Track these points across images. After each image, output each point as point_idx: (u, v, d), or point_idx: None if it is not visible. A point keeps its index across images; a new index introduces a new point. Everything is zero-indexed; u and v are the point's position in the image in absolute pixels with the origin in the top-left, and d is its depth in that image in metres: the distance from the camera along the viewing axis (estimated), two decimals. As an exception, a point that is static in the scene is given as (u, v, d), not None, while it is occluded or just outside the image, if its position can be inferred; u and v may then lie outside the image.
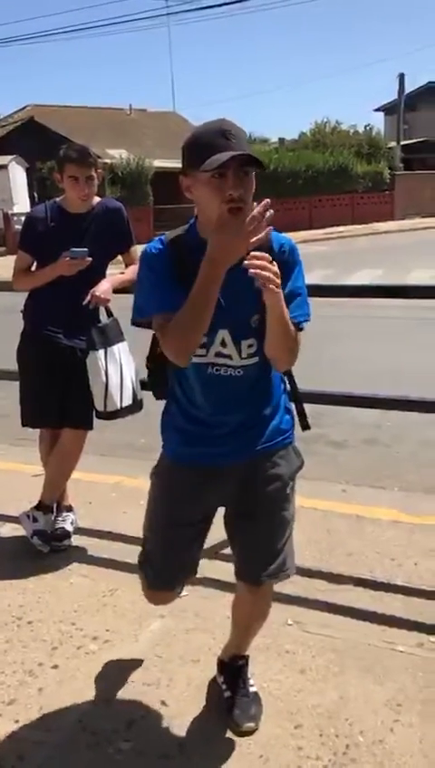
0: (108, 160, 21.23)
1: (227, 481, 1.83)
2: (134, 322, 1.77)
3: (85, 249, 2.79)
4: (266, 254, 1.51)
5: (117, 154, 22.78)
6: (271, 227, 1.49)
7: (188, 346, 1.64)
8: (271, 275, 1.50)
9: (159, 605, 2.07)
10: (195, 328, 1.60)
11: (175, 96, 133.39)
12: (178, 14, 46.88)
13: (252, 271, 1.48)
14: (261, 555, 1.87)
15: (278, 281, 1.52)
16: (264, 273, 1.49)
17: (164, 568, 1.90)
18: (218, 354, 1.71)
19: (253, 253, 1.50)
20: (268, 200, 1.47)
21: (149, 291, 1.69)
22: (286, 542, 1.90)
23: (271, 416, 1.83)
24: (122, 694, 2.18)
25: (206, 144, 1.54)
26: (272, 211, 1.47)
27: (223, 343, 1.69)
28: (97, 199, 2.97)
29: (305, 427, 1.97)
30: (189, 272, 1.59)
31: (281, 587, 2.67)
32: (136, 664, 2.31)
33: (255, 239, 1.48)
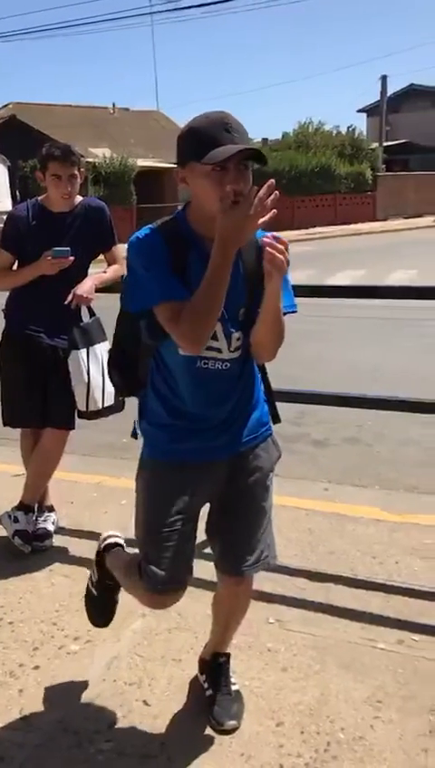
0: (91, 159, 21.13)
1: (215, 475, 1.84)
2: (127, 312, 1.75)
3: (67, 248, 2.79)
4: (285, 240, 1.57)
5: (100, 153, 22.68)
6: (275, 210, 1.52)
7: (207, 332, 1.64)
8: (284, 260, 1.56)
9: (168, 607, 1.95)
10: (212, 312, 1.61)
11: (158, 95, 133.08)
12: (162, 13, 46.68)
13: (270, 250, 1.54)
14: (244, 547, 1.89)
15: (286, 268, 1.58)
16: (280, 256, 1.55)
17: (173, 566, 1.82)
18: (209, 347, 1.71)
19: (274, 233, 1.56)
20: (272, 181, 1.51)
21: (149, 280, 1.64)
22: (266, 532, 1.93)
23: (253, 408, 1.86)
24: (104, 694, 2.18)
25: (207, 136, 1.55)
26: (277, 193, 1.51)
27: (214, 336, 1.70)
28: (79, 198, 2.96)
29: (277, 419, 1.98)
30: (184, 264, 1.61)
31: (263, 585, 2.69)
32: (118, 663, 2.31)
33: (261, 221, 1.52)
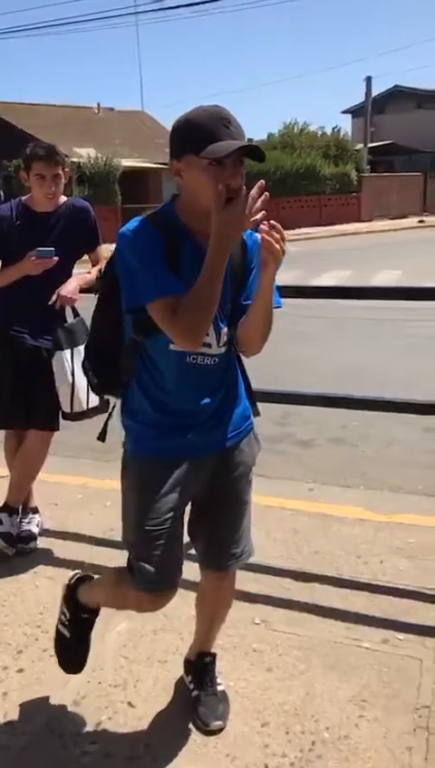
0: (75, 159, 21.05)
1: (202, 471, 1.84)
2: (129, 310, 1.69)
3: (51, 248, 2.77)
4: (281, 229, 1.59)
5: (85, 153, 22.58)
6: (264, 211, 1.54)
7: (205, 327, 1.64)
8: (281, 249, 1.58)
9: (159, 608, 1.91)
10: (211, 307, 1.61)
11: (143, 95, 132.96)
12: (147, 13, 46.59)
13: (268, 238, 1.56)
14: (228, 542, 1.91)
15: (282, 258, 1.59)
16: (277, 245, 1.57)
17: (165, 566, 1.80)
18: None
19: (272, 222, 1.57)
20: (262, 181, 1.54)
21: (145, 275, 1.61)
22: (247, 526, 1.96)
23: (238, 403, 1.87)
24: (89, 696, 2.17)
25: (206, 130, 1.55)
26: (267, 194, 1.54)
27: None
28: (64, 198, 2.95)
29: (257, 413, 1.99)
30: (177, 257, 1.61)
31: (248, 586, 2.70)
32: (103, 665, 2.30)
33: (253, 219, 1.54)
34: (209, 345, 1.73)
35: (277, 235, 1.57)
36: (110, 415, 1.98)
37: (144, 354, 1.75)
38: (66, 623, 2.10)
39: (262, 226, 1.58)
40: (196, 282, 1.59)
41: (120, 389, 1.85)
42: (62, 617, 2.12)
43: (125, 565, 1.87)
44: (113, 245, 1.71)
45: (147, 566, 1.78)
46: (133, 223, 1.66)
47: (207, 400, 1.78)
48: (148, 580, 1.79)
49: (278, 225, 1.58)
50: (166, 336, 1.65)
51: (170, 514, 1.78)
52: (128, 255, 1.63)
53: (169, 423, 1.77)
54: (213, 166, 1.54)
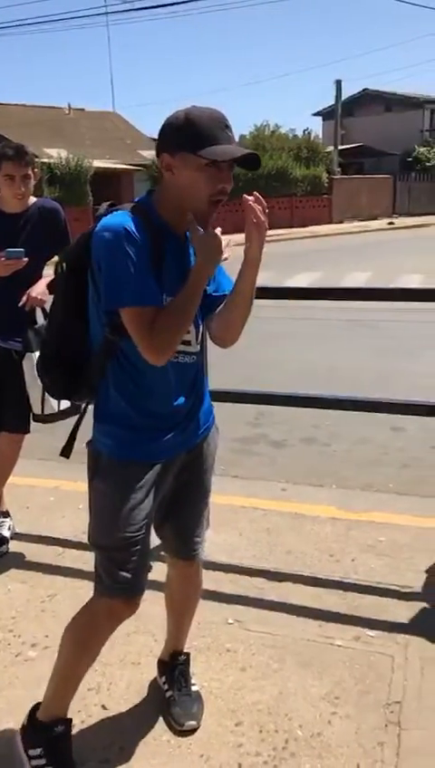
0: (46, 159, 20.85)
1: (173, 469, 1.83)
2: (109, 310, 1.61)
3: (21, 249, 2.75)
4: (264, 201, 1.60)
5: (55, 153, 22.39)
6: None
7: (176, 344, 1.63)
8: (266, 221, 1.59)
9: (129, 617, 1.82)
10: (186, 326, 1.63)
11: (114, 96, 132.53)
12: (117, 14, 46.40)
13: (254, 206, 1.57)
14: (195, 531, 1.94)
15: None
16: (262, 216, 1.59)
17: (142, 572, 1.77)
18: (182, 341, 1.68)
19: (256, 193, 1.60)
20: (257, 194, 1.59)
21: (127, 276, 1.54)
22: (208, 513, 1.99)
23: (205, 399, 1.89)
24: (62, 700, 2.15)
25: (208, 131, 1.54)
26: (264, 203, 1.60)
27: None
28: (33, 199, 2.93)
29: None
30: (160, 257, 1.59)
31: (221, 586, 2.71)
32: (76, 669, 2.28)
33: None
34: (189, 343, 1.73)
35: (260, 207, 1.59)
36: (78, 426, 1.86)
37: (121, 355, 1.68)
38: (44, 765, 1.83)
39: (246, 197, 1.58)
40: (176, 298, 1.58)
41: (86, 393, 1.78)
42: (36, 761, 1.84)
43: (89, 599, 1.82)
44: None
45: (123, 573, 1.73)
46: (119, 216, 1.58)
47: (183, 399, 1.78)
48: (124, 587, 1.74)
49: (260, 198, 1.60)
50: None
51: (146, 520, 1.76)
52: (118, 252, 1.54)
53: (149, 425, 1.73)
54: (210, 167, 1.55)
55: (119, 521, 1.72)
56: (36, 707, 1.91)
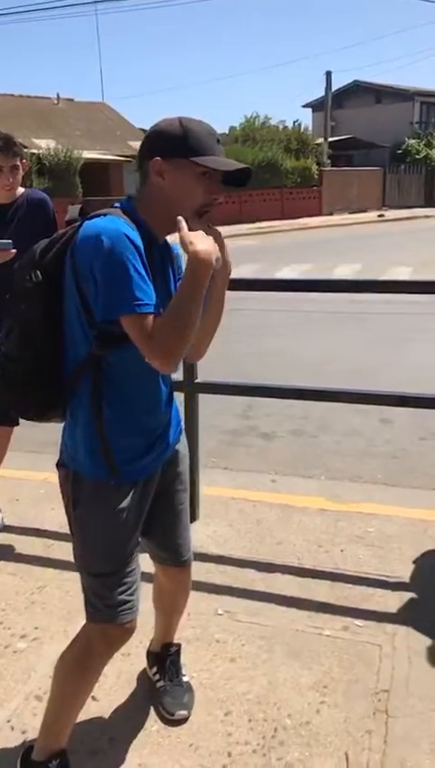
0: (34, 150, 20.71)
1: (155, 480, 1.79)
2: (105, 321, 1.48)
3: (9, 241, 2.72)
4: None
5: (44, 144, 22.23)
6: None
7: (187, 347, 1.50)
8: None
9: (130, 639, 1.75)
10: (194, 328, 1.49)
11: (104, 87, 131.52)
12: (106, 3, 45.97)
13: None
14: (182, 537, 1.92)
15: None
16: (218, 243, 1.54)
17: (135, 593, 1.70)
18: None
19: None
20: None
21: (128, 283, 1.44)
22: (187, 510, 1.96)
23: (174, 404, 1.82)
24: (52, 691, 2.16)
25: (205, 141, 1.52)
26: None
27: None
28: (21, 190, 2.91)
29: None
30: (150, 265, 1.52)
31: (211, 577, 2.72)
32: (66, 660, 2.29)
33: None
34: None
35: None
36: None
37: (108, 370, 1.56)
38: None
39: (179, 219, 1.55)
40: (178, 299, 1.48)
41: (63, 412, 1.67)
42: None
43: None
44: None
45: (119, 596, 1.66)
46: (118, 224, 1.48)
47: (165, 411, 1.73)
48: (121, 612, 1.66)
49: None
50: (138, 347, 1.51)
51: (138, 538, 1.72)
52: (121, 259, 1.43)
53: (134, 443, 1.65)
54: (204, 177, 1.52)
55: (111, 546, 1.65)
56: (28, 749, 1.83)
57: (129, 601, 1.68)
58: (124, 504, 1.65)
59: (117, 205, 1.59)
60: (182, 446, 1.89)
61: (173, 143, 1.52)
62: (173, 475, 1.85)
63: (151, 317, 1.46)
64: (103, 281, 1.45)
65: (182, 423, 1.91)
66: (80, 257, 1.49)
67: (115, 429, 1.60)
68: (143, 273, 1.47)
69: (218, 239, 1.55)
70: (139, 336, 1.46)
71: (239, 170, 1.53)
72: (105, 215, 1.52)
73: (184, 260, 1.64)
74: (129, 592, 1.68)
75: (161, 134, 1.55)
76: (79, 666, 1.75)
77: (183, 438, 1.91)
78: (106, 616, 1.67)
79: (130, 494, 1.66)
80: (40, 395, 1.64)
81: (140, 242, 1.48)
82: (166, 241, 1.65)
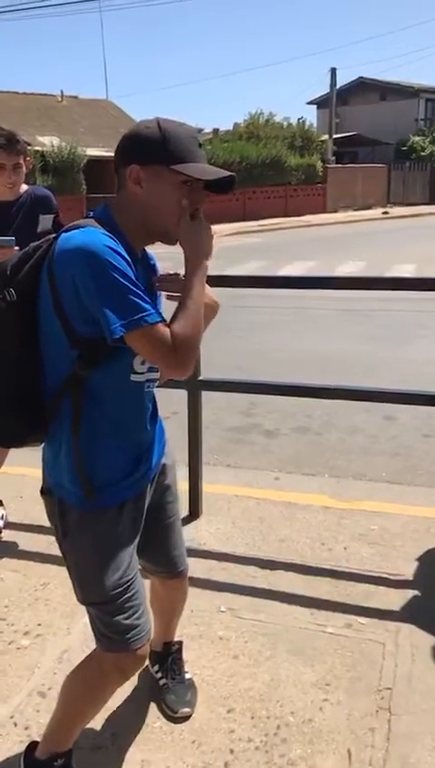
0: (38, 147, 20.71)
1: (146, 495, 1.72)
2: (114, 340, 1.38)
3: (12, 238, 2.72)
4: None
5: (48, 141, 22.24)
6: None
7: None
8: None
9: (143, 665, 1.72)
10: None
11: (108, 84, 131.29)
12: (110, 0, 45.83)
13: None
14: (178, 547, 1.90)
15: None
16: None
17: (143, 614, 1.64)
18: (151, 369, 1.55)
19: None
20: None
21: (136, 297, 1.37)
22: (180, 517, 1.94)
23: (158, 415, 1.76)
24: (55, 687, 2.15)
25: (185, 147, 1.44)
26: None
27: None
28: (25, 187, 2.91)
29: None
30: (135, 275, 1.44)
31: (214, 574, 2.72)
32: (69, 656, 2.29)
33: None
34: (156, 369, 1.56)
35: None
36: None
37: (91, 390, 1.48)
38: None
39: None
40: (189, 302, 1.45)
41: (44, 435, 1.57)
42: None
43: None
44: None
45: (125, 621, 1.59)
46: (98, 236, 1.39)
47: (151, 427, 1.68)
48: (131, 639, 1.60)
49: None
50: (123, 365, 1.47)
51: (134, 558, 1.65)
52: (114, 273, 1.35)
53: (121, 463, 1.58)
54: (186, 185, 1.45)
55: (108, 573, 1.57)
56: (32, 746, 1.81)
57: (137, 625, 1.61)
58: (115, 527, 1.58)
59: (91, 214, 1.50)
60: (168, 459, 1.82)
61: (151, 149, 1.43)
62: (163, 488, 1.80)
63: (163, 327, 1.41)
64: (100, 299, 1.35)
65: (166, 435, 1.82)
66: (60, 272, 1.40)
67: (98, 449, 1.53)
68: (138, 283, 1.40)
69: (210, 232, 1.52)
70: (156, 349, 1.40)
71: (227, 177, 1.48)
72: (83, 227, 1.42)
73: (160, 268, 1.66)
74: (135, 616, 1.61)
75: (139, 138, 1.45)
76: (91, 691, 1.73)
77: (168, 450, 1.83)
78: (117, 644, 1.61)
79: (120, 515, 1.59)
80: (24, 418, 1.53)
81: (125, 252, 1.40)
82: (144, 250, 1.59)
